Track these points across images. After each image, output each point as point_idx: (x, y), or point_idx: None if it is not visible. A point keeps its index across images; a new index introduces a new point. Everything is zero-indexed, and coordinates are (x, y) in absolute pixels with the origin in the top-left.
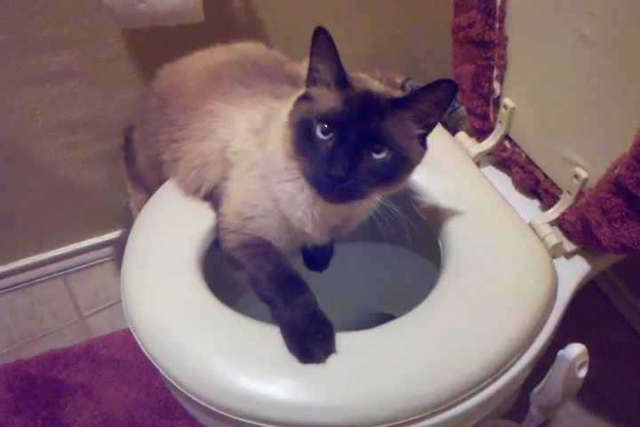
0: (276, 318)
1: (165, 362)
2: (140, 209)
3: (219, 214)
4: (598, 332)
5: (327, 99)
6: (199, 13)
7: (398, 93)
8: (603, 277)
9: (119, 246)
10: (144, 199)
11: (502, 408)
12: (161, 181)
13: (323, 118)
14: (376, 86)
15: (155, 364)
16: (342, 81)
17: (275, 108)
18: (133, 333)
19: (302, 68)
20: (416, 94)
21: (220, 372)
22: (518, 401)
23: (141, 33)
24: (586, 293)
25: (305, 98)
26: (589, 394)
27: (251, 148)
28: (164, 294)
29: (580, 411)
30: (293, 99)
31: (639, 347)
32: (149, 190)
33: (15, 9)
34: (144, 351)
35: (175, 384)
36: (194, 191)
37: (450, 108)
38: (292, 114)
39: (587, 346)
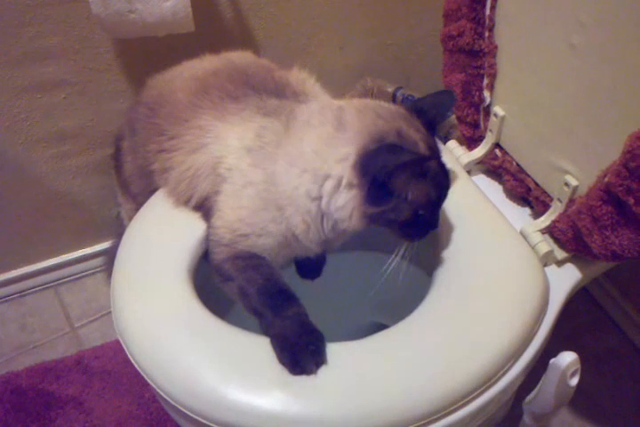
0: (265, 331)
1: (156, 375)
2: (130, 218)
3: (210, 226)
4: (590, 338)
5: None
6: (189, 23)
7: (416, 123)
8: (595, 284)
9: (111, 257)
10: (134, 208)
11: (495, 417)
12: (148, 191)
13: (425, 208)
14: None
15: (145, 376)
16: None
17: (266, 128)
18: (123, 345)
19: (292, 76)
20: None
21: (211, 384)
22: (512, 410)
23: (132, 43)
24: (578, 299)
25: (377, 200)
26: (582, 401)
27: (245, 166)
28: (154, 306)
29: (574, 418)
30: (300, 135)
31: (632, 353)
32: (136, 199)
33: (4, 20)
34: (134, 364)
35: (166, 397)
36: (184, 201)
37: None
38: (365, 215)
39: (579, 353)
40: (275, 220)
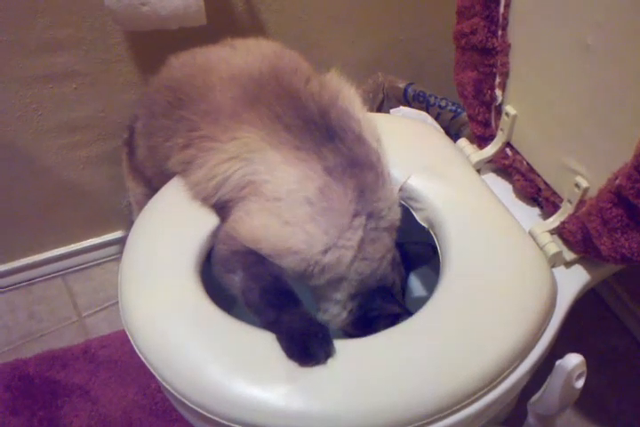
0: (267, 327)
1: (161, 367)
2: (139, 203)
3: (230, 222)
4: (598, 339)
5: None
6: (201, 17)
7: None
8: (603, 285)
9: (124, 246)
10: (143, 193)
11: (500, 415)
12: (162, 175)
13: None
14: None
15: (150, 368)
16: None
17: (333, 190)
18: (130, 337)
19: (329, 87)
20: None
21: (216, 378)
22: (516, 409)
23: (144, 35)
24: (586, 300)
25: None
26: (588, 402)
27: (301, 213)
28: (160, 298)
29: (579, 419)
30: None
31: (639, 354)
32: (149, 184)
33: (18, 10)
34: (140, 355)
35: (170, 389)
36: (204, 197)
37: (452, 114)
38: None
39: (586, 353)
40: (304, 263)
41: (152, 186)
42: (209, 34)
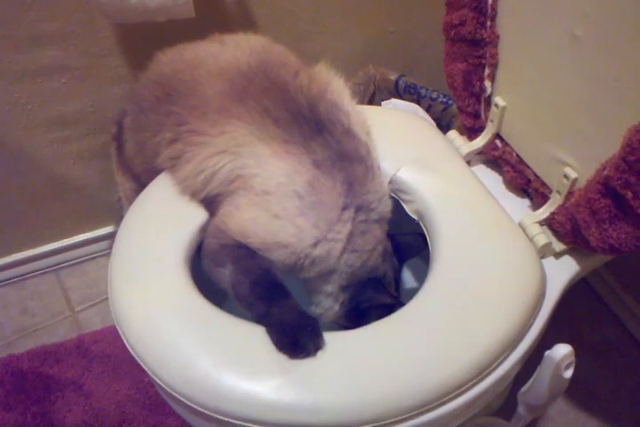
0: (257, 320)
1: (151, 362)
2: (128, 198)
3: (220, 215)
4: (590, 330)
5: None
6: (189, 9)
7: None
8: (595, 275)
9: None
10: (133, 188)
11: (491, 406)
12: (151, 171)
13: None
14: None
15: (141, 363)
16: None
17: (322, 184)
18: (120, 332)
19: (318, 80)
20: None
21: (206, 372)
22: (509, 398)
23: (133, 29)
24: (578, 290)
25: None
26: (580, 392)
27: (291, 208)
28: (151, 293)
29: (571, 408)
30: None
31: (630, 345)
32: (139, 179)
33: (5, 4)
34: (130, 350)
35: (161, 384)
36: (192, 193)
37: (443, 106)
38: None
39: (578, 344)
40: (294, 256)
41: (141, 181)
42: (198, 27)
